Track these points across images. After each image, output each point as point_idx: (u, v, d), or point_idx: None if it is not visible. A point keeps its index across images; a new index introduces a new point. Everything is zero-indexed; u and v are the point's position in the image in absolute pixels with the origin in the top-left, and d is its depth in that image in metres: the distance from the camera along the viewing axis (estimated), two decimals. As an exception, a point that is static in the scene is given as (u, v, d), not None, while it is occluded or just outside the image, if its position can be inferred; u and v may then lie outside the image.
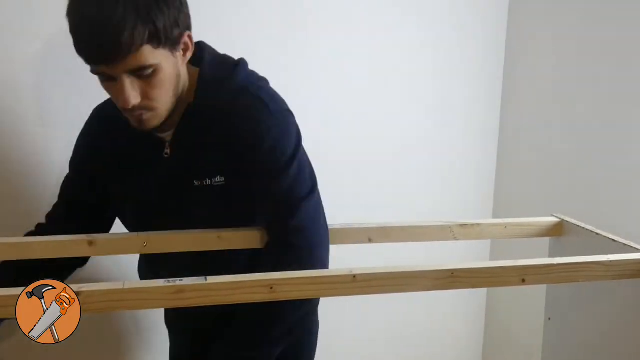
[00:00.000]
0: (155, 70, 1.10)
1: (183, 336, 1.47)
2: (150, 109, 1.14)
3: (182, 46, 1.15)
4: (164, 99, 1.14)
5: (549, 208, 1.59)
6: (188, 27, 1.15)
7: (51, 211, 1.38)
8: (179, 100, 1.19)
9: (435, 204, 2.11)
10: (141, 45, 1.06)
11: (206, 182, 1.21)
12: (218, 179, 1.21)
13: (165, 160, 1.24)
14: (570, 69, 1.88)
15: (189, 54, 1.18)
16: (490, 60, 2.12)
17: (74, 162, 1.36)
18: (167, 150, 1.24)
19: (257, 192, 1.22)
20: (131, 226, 1.35)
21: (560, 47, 1.92)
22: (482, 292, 2.33)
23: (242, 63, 1.25)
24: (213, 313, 1.29)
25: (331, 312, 1.85)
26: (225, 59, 1.27)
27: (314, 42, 1.83)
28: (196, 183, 1.22)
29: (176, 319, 1.46)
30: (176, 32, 1.11)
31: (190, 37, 1.16)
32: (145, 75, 1.10)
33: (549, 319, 1.43)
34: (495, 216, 2.20)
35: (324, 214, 1.25)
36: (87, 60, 1.08)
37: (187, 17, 1.15)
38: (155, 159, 1.25)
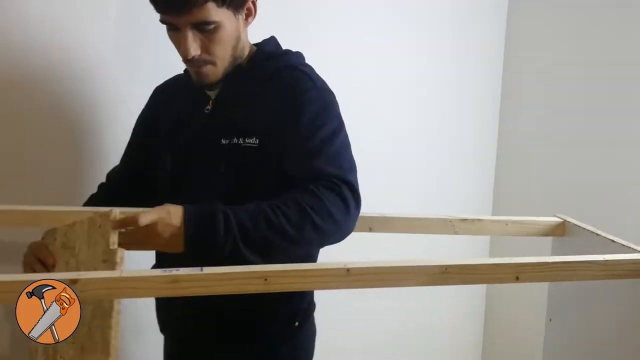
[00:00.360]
0: (217, 27, 1.18)
1: (172, 341, 1.47)
2: (209, 62, 1.22)
3: (245, 10, 1.23)
4: (222, 55, 1.22)
5: (547, 207, 1.59)
6: None
7: (110, 171, 1.48)
8: (236, 61, 1.26)
9: (435, 201, 2.12)
10: (205, 1, 1.15)
11: (234, 141, 1.24)
12: (253, 140, 1.23)
13: (205, 116, 1.30)
14: (570, 69, 1.87)
15: (251, 20, 1.26)
16: (490, 59, 2.12)
17: (134, 129, 1.45)
18: (209, 107, 1.30)
19: (289, 159, 1.21)
20: (164, 184, 1.37)
21: (560, 47, 1.91)
22: (482, 291, 2.33)
23: (298, 51, 1.34)
24: (201, 318, 1.31)
25: (330, 311, 1.86)
26: (285, 48, 1.35)
27: (314, 42, 1.83)
28: (223, 142, 1.25)
29: (166, 324, 1.45)
30: None
31: (254, 4, 1.24)
32: (206, 30, 1.18)
33: (550, 319, 1.43)
34: (494, 214, 2.20)
35: (354, 205, 1.19)
36: (157, 8, 1.18)
37: None
38: (197, 114, 1.31)
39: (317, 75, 1.30)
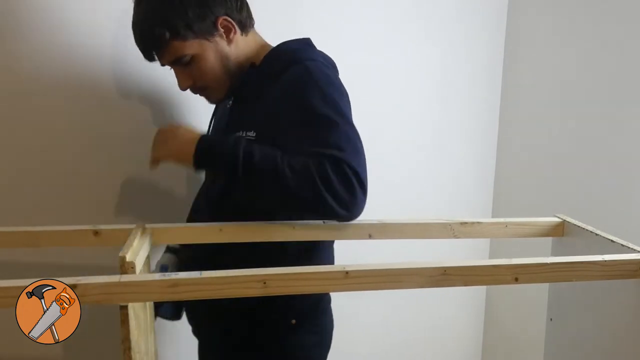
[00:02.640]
0: (194, 57, 1.24)
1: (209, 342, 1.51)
2: (203, 88, 1.31)
3: (219, 31, 1.25)
4: (213, 79, 1.28)
5: (547, 208, 1.58)
6: (225, 12, 1.24)
7: None
8: (241, 69, 1.30)
9: (434, 203, 2.12)
10: (167, 42, 1.21)
11: (239, 134, 1.27)
12: (252, 133, 1.26)
13: (227, 110, 1.38)
14: (570, 69, 1.87)
15: (234, 34, 1.27)
16: (490, 59, 2.12)
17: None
18: (230, 102, 1.37)
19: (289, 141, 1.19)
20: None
21: (560, 47, 1.91)
22: (482, 292, 2.33)
23: (313, 48, 1.34)
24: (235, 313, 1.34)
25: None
26: (310, 48, 1.34)
27: (314, 41, 1.84)
28: (238, 134, 1.28)
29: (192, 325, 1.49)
30: (205, 23, 1.23)
31: (227, 20, 1.25)
32: (186, 62, 1.25)
33: (551, 319, 1.43)
34: (494, 216, 2.20)
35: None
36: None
37: (219, 3, 1.24)
38: (225, 109, 1.40)
39: (323, 70, 1.25)
